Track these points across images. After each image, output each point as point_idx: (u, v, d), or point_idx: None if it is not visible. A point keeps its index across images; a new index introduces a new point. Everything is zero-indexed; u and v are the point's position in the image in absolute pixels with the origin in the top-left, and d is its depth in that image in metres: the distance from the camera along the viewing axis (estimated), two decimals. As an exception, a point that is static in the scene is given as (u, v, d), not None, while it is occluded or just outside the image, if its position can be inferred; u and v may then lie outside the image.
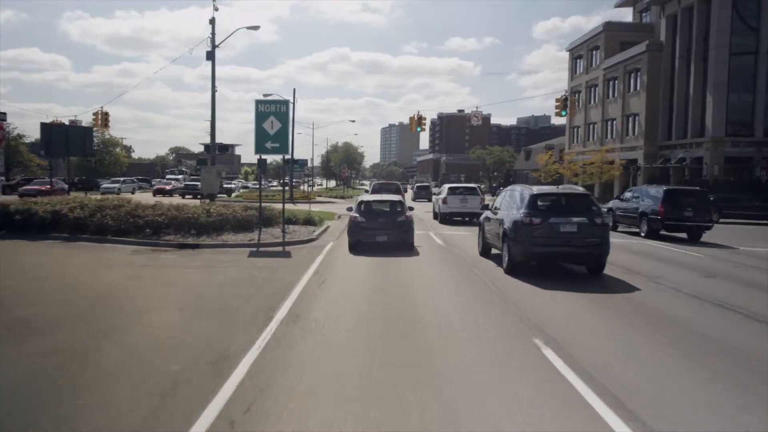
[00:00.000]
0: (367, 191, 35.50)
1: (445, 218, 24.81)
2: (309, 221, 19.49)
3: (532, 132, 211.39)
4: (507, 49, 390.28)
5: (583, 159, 56.07)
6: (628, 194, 22.87)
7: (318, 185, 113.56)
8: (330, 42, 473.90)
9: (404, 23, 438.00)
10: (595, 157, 48.66)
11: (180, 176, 44.29)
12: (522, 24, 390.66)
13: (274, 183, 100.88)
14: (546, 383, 5.19)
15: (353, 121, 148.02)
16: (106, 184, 51.71)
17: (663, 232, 19.83)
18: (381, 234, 14.78)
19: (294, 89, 49.43)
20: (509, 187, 13.88)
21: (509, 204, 12.37)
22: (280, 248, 14.73)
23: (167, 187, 49.05)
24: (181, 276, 10.59)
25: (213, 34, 26.19)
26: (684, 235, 19.87)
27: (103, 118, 37.08)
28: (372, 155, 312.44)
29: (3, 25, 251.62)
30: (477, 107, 33.86)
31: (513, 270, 11.30)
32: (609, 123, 56.61)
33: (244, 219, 16.78)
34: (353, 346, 6.29)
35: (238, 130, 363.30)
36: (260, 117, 16.33)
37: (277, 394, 4.84)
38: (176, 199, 29.11)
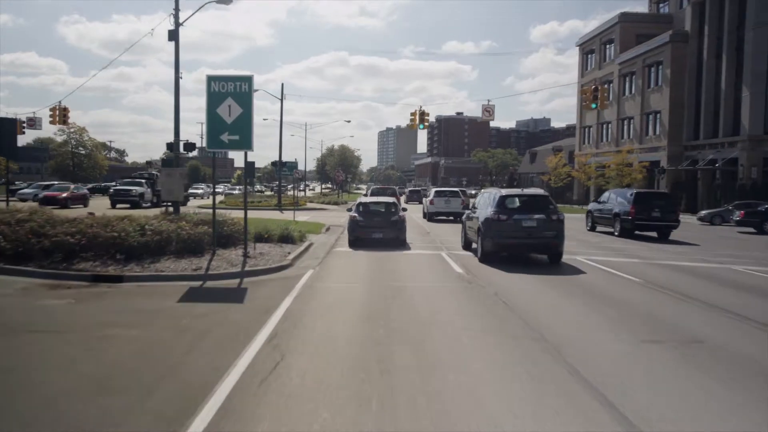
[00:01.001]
0: (365, 195, 37.47)
1: (431, 217, 29.56)
2: (286, 238, 15.18)
3: (532, 135, 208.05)
4: (505, 53, 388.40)
5: (597, 161, 52.01)
6: (604, 197, 24.68)
7: (311, 190, 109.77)
8: (327, 46, 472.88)
9: (401, 27, 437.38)
10: (614, 158, 44.50)
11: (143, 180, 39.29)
12: (519, 28, 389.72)
13: (260, 187, 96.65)
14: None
15: (348, 121, 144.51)
16: (24, 189, 42.74)
17: (637, 232, 21.73)
18: (377, 231, 16.42)
19: (282, 84, 45.37)
20: (485, 190, 16.70)
21: (485, 204, 14.49)
22: (235, 282, 10.45)
23: (61, 195, 34.29)
24: (34, 355, 6.28)
25: (176, 9, 21.98)
26: (654, 234, 21.91)
27: (61, 114, 32.94)
28: (369, 159, 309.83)
29: (0, 29, 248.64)
30: (488, 100, 29.38)
31: (485, 259, 13.56)
32: (625, 122, 52.50)
33: (193, 238, 12.39)
34: None
35: None
36: (213, 99, 12.14)
37: None
38: (125, 211, 24.79)
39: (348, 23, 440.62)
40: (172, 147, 23.19)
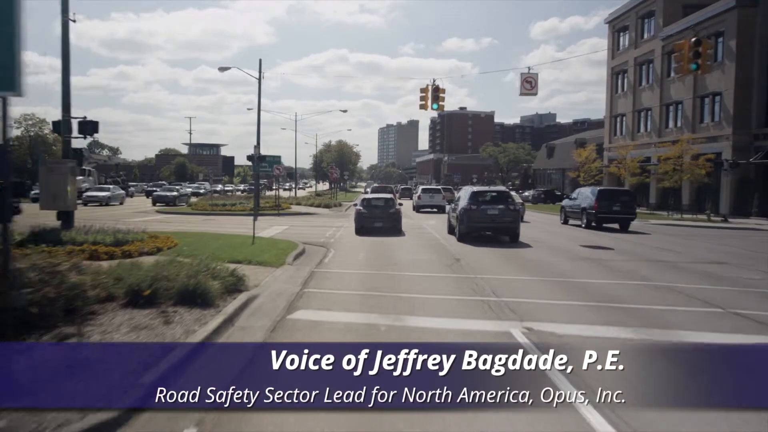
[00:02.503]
0: (365, 192, 43.86)
1: (418, 209, 37.32)
2: (191, 295, 7.50)
3: (537, 131, 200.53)
4: (505, 50, 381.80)
5: (639, 154, 44.26)
6: (575, 194, 28.41)
7: (309, 188, 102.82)
8: (327, 44, 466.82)
9: (402, 24, 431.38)
10: (672, 150, 36.62)
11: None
12: (520, 24, 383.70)
13: (244, 187, 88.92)
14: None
15: (345, 111, 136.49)
16: None
17: (604, 225, 25.09)
18: (378, 221, 20.66)
19: (260, 60, 37.60)
20: (464, 187, 23.83)
21: (463, 198, 19.44)
22: None
23: None
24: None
25: None
26: (616, 226, 24.99)
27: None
28: (370, 157, 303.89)
29: None
30: (529, 68, 21.73)
31: (461, 239, 18.41)
32: (671, 108, 44.73)
33: None
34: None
35: (238, 132, 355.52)
36: None
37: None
38: None
39: (348, 21, 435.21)
40: (59, 128, 15.37)
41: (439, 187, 44.07)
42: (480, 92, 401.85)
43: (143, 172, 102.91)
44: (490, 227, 18.35)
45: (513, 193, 23.94)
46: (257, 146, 25.96)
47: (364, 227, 20.41)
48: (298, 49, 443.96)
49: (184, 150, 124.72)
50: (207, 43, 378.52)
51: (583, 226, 25.48)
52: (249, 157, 27.85)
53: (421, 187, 45.12)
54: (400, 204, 22.43)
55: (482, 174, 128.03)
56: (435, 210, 36.18)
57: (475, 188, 20.38)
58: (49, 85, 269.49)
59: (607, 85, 55.32)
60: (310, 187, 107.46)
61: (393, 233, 20.01)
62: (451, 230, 20.37)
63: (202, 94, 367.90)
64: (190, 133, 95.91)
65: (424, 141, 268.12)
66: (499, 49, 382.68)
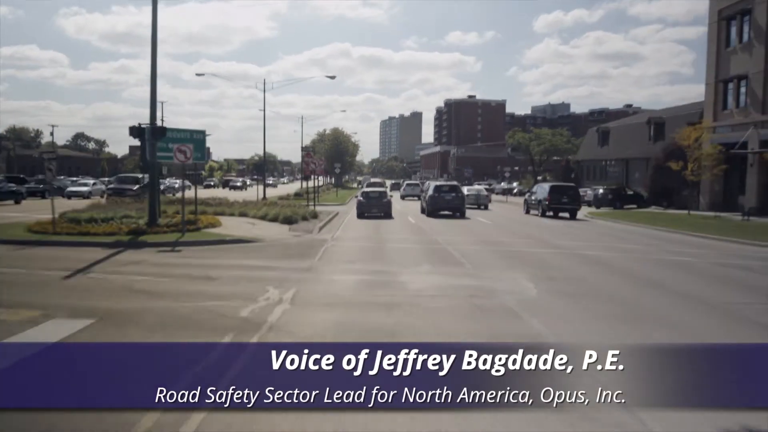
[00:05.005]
0: (360, 186, 50.22)
1: (404, 198, 49.38)
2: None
3: (550, 122, 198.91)
4: (508, 44, 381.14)
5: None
6: (534, 189, 35.26)
7: (283, 183, 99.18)
8: (329, 37, 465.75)
9: (404, 18, 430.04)
10: None
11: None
12: (524, 17, 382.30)
13: (215, 181, 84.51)
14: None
15: (344, 111, 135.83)
16: None
17: (560, 214, 31.58)
18: (374, 208, 28.36)
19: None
20: (429, 182, 39.65)
21: (429, 190, 30.85)
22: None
23: None
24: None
25: None
26: (567, 215, 31.43)
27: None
28: (372, 151, 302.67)
29: None
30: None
31: (428, 215, 28.99)
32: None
33: None
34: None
35: (239, 127, 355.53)
36: None
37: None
38: None
39: (350, 14, 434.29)
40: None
41: (417, 181, 49.58)
42: (483, 86, 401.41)
43: (113, 166, 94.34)
44: (446, 207, 29.36)
45: (481, 187, 39.20)
46: (152, 108, 18.13)
47: (363, 213, 28.03)
48: (299, 43, 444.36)
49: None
50: (208, 37, 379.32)
51: (539, 215, 31.86)
52: (133, 130, 17.55)
53: (407, 182, 55.92)
54: (391, 195, 32.66)
55: (494, 169, 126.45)
56: (416, 198, 41.14)
57: (437, 182, 35.85)
58: (48, 79, 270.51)
59: (709, 39, 38.37)
60: (280, 182, 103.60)
61: (385, 218, 27.53)
62: (422, 211, 31.60)
63: (203, 88, 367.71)
64: (162, 121, 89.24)
65: (427, 135, 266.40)
66: (502, 43, 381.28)
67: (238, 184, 78.97)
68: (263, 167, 60.27)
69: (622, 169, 54.10)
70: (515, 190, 67.23)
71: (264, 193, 42.18)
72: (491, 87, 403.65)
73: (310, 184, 37.91)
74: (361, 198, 29.02)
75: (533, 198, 33.53)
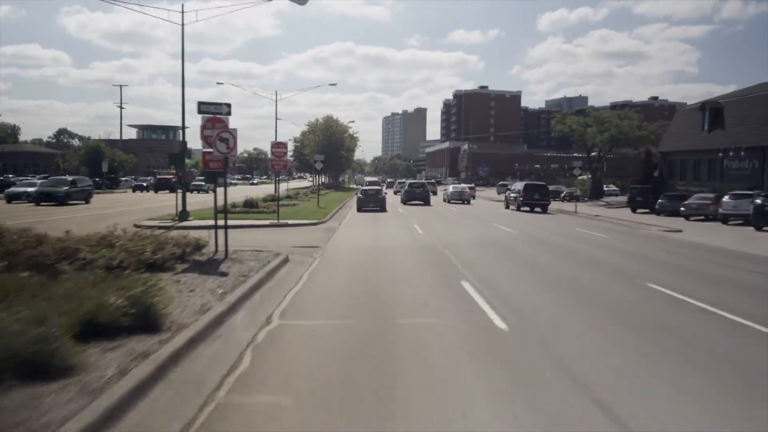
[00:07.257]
0: (365, 184, 55.57)
1: (395, 193, 59.38)
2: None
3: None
4: (512, 42, 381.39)
5: None
6: (513, 187, 43.62)
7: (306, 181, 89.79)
8: (332, 36, 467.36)
9: (407, 16, 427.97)
10: None
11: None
12: (527, 16, 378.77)
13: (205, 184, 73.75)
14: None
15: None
16: None
17: (533, 209, 37.64)
18: (371, 204, 34.41)
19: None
20: (406, 180, 62.93)
21: (405, 186, 48.01)
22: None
23: None
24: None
25: None
26: (540, 210, 37.44)
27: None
28: (374, 150, 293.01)
29: (1, 21, 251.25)
30: None
31: (404, 203, 41.99)
32: None
33: None
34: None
35: (244, 125, 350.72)
36: None
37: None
38: None
39: (353, 13, 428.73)
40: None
41: (404, 180, 69.11)
42: (486, 84, 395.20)
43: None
44: (416, 197, 42.27)
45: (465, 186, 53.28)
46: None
47: (362, 208, 34.43)
48: (302, 42, 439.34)
49: (133, 133, 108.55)
50: (211, 35, 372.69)
51: (514, 209, 38.58)
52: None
53: (398, 180, 73.90)
54: (386, 192, 42.14)
55: (511, 167, 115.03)
56: (422, 203, 45.00)
57: (410, 180, 59.18)
58: (50, 78, 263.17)
59: None
60: (310, 180, 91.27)
61: (380, 211, 33.76)
62: (402, 201, 42.75)
63: (206, 86, 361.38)
64: (121, 108, 72.65)
65: (432, 132, 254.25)
66: (505, 41, 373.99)
67: (144, 184, 63.42)
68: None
69: (755, 163, 36.30)
70: (563, 193, 54.81)
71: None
72: (494, 86, 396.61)
73: (298, 184, 38.27)
74: (361, 195, 35.98)
75: (511, 195, 40.88)
